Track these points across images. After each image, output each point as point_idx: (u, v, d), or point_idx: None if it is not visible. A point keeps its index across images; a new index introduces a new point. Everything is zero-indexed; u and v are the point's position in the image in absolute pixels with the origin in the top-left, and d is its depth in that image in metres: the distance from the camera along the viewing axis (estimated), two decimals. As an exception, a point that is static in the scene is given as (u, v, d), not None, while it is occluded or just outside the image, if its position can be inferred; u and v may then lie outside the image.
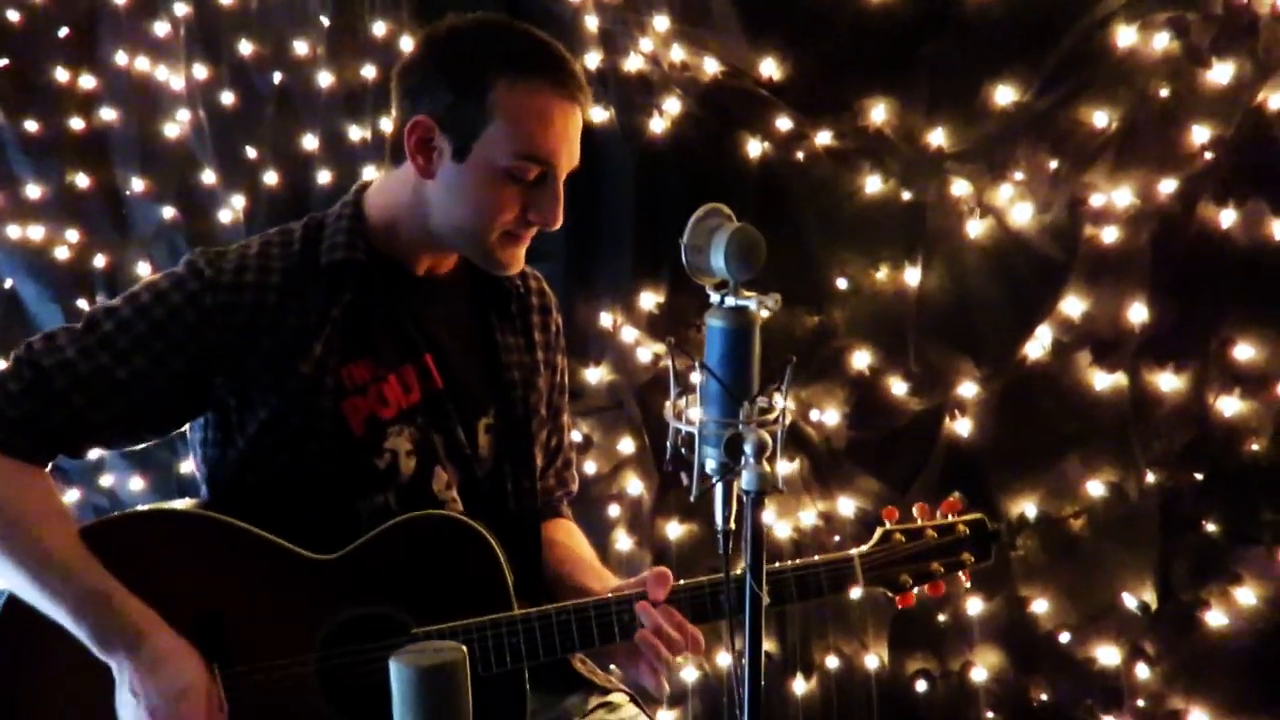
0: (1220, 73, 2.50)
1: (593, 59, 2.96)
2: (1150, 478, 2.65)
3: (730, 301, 1.22)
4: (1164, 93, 2.55)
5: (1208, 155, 2.53)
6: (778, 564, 1.72)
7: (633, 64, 2.94)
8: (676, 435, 1.27)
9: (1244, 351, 2.57)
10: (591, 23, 2.96)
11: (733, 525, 1.27)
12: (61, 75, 3.38)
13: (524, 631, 1.62)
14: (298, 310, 1.65)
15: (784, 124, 2.80)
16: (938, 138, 2.71)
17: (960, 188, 2.71)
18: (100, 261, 3.41)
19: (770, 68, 2.82)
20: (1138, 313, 2.63)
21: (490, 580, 1.65)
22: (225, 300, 1.63)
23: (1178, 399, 2.62)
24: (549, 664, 1.66)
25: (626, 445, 3.05)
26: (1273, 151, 2.49)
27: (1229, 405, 2.59)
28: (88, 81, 3.41)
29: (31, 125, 3.38)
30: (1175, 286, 2.60)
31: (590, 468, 3.06)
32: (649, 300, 2.99)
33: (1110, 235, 2.62)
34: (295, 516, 1.64)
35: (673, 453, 1.26)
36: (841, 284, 2.83)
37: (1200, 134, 2.53)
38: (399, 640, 1.51)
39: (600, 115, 2.99)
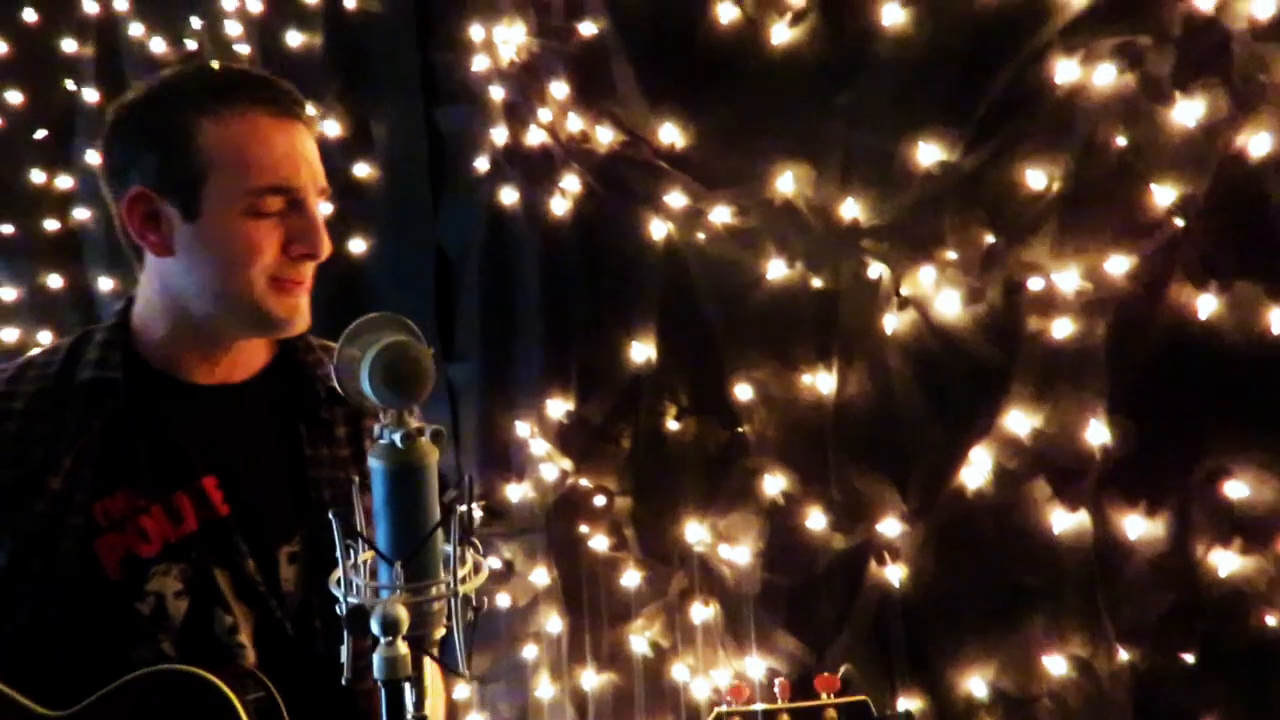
0: (1186, 111, 1.85)
1: (500, 134, 2.63)
2: (1122, 655, 1.97)
3: (386, 437, 1.01)
4: (1118, 140, 1.92)
5: (1177, 221, 1.87)
6: None
7: (534, 137, 2.57)
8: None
9: (1237, 489, 1.86)
10: (497, 93, 2.63)
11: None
12: (38, 177, 3.36)
13: None
14: (46, 439, 1.47)
15: (678, 200, 2.34)
16: (851, 210, 2.17)
17: (876, 270, 2.16)
18: (69, 363, 3.35)
19: (671, 133, 2.38)
20: (1097, 433, 1.97)
21: None
22: None
23: (1152, 549, 1.93)
24: None
25: (541, 576, 2.62)
26: (1262, 213, 1.80)
27: (1225, 561, 1.87)
28: (64, 182, 3.38)
29: (7, 228, 3.37)
30: (1140, 397, 1.93)
31: (504, 600, 2.65)
32: (557, 408, 2.57)
33: (1061, 330, 1.99)
34: (62, 666, 1.46)
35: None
36: (747, 392, 2.31)
37: (1164, 194, 1.88)
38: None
39: (510, 197, 2.64)
